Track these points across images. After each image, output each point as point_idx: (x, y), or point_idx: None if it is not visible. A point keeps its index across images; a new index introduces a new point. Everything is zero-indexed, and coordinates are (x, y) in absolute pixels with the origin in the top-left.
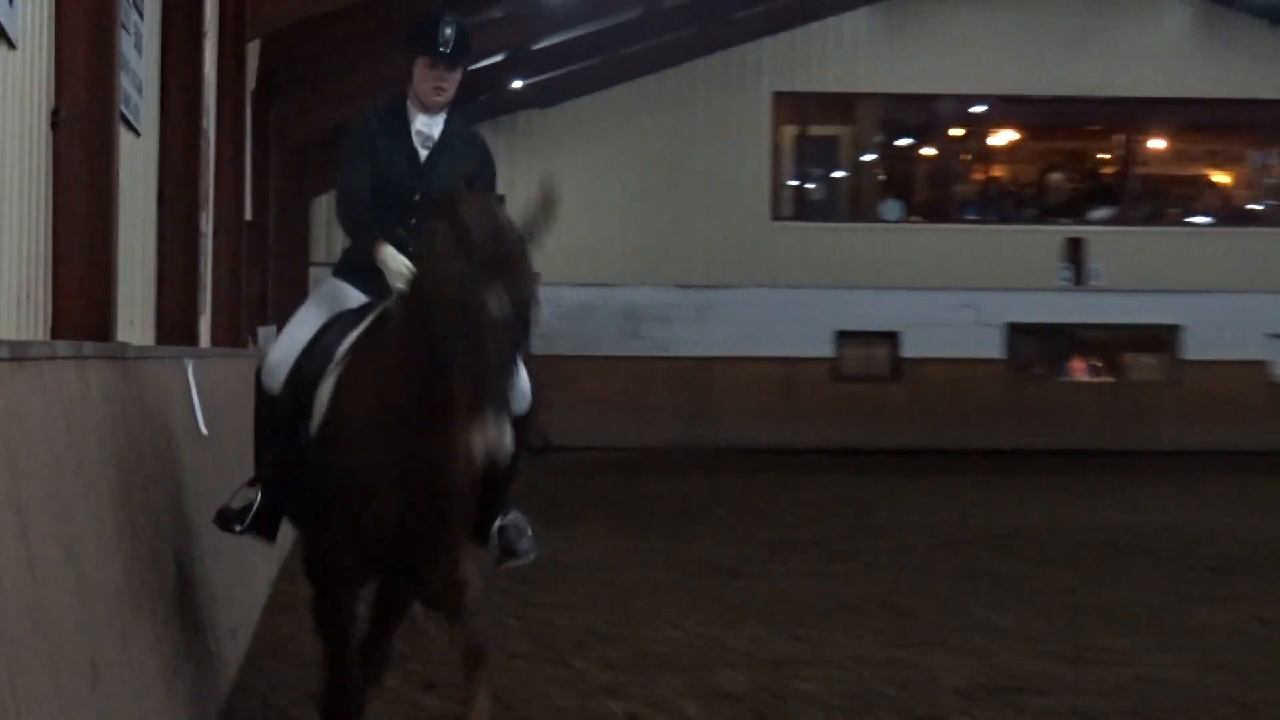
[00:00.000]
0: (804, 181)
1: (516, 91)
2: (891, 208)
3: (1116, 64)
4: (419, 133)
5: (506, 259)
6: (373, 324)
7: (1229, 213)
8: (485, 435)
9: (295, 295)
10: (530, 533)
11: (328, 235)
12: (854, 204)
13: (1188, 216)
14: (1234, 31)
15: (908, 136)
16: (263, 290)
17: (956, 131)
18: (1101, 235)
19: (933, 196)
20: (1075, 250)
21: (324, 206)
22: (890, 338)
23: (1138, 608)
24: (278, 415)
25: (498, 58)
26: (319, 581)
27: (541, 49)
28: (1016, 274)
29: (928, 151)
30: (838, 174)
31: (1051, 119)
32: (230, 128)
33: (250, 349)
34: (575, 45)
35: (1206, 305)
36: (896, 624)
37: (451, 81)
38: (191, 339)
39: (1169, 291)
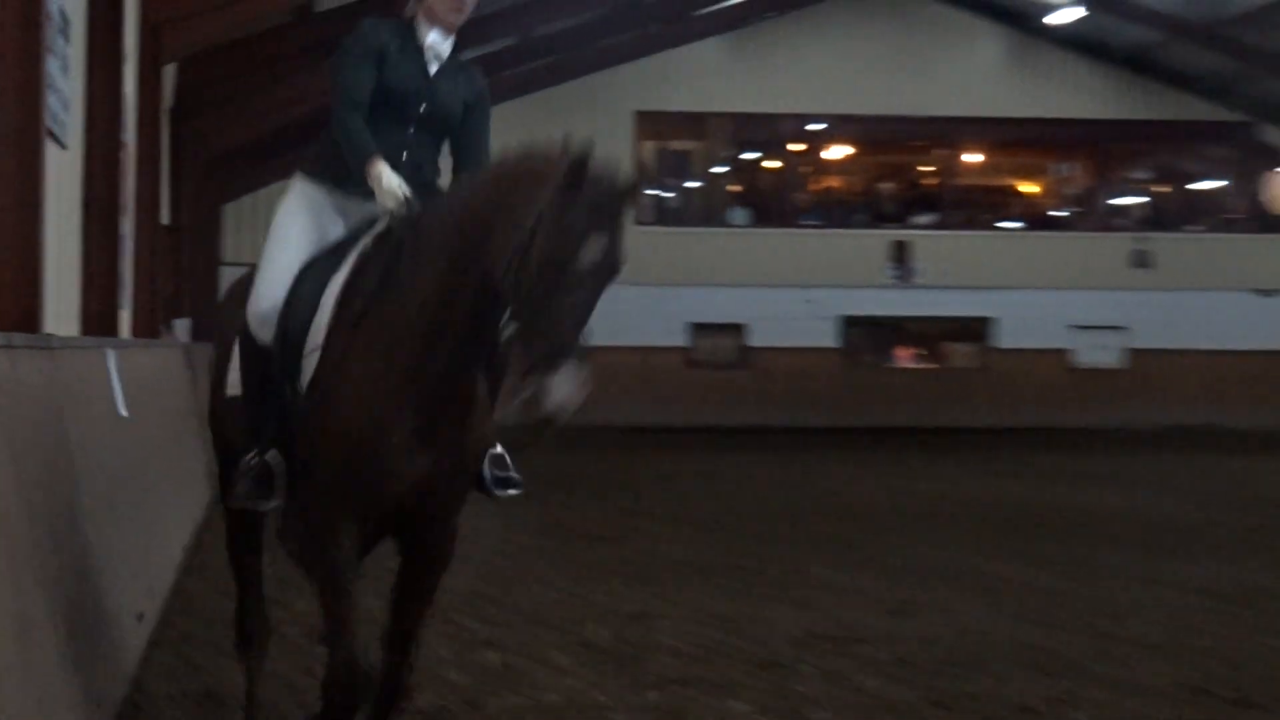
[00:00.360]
0: (662, 191)
1: None
2: (739, 214)
3: (938, 87)
4: (431, 47)
5: (615, 210)
6: (363, 268)
7: (1035, 218)
8: (562, 387)
9: (207, 292)
10: (510, 461)
11: (235, 239)
12: (706, 211)
13: (999, 222)
14: (1040, 58)
15: (754, 151)
16: (177, 287)
17: (797, 146)
18: (924, 238)
19: (776, 204)
20: (901, 251)
21: (234, 213)
22: (738, 329)
23: (954, 567)
24: (272, 369)
25: None
26: (317, 536)
27: None
28: (850, 272)
29: (771, 164)
30: (692, 184)
31: (880, 135)
32: (148, 142)
33: (166, 339)
34: None
35: (1015, 300)
36: (743, 582)
37: (470, 2)
38: (112, 330)
39: (982, 288)
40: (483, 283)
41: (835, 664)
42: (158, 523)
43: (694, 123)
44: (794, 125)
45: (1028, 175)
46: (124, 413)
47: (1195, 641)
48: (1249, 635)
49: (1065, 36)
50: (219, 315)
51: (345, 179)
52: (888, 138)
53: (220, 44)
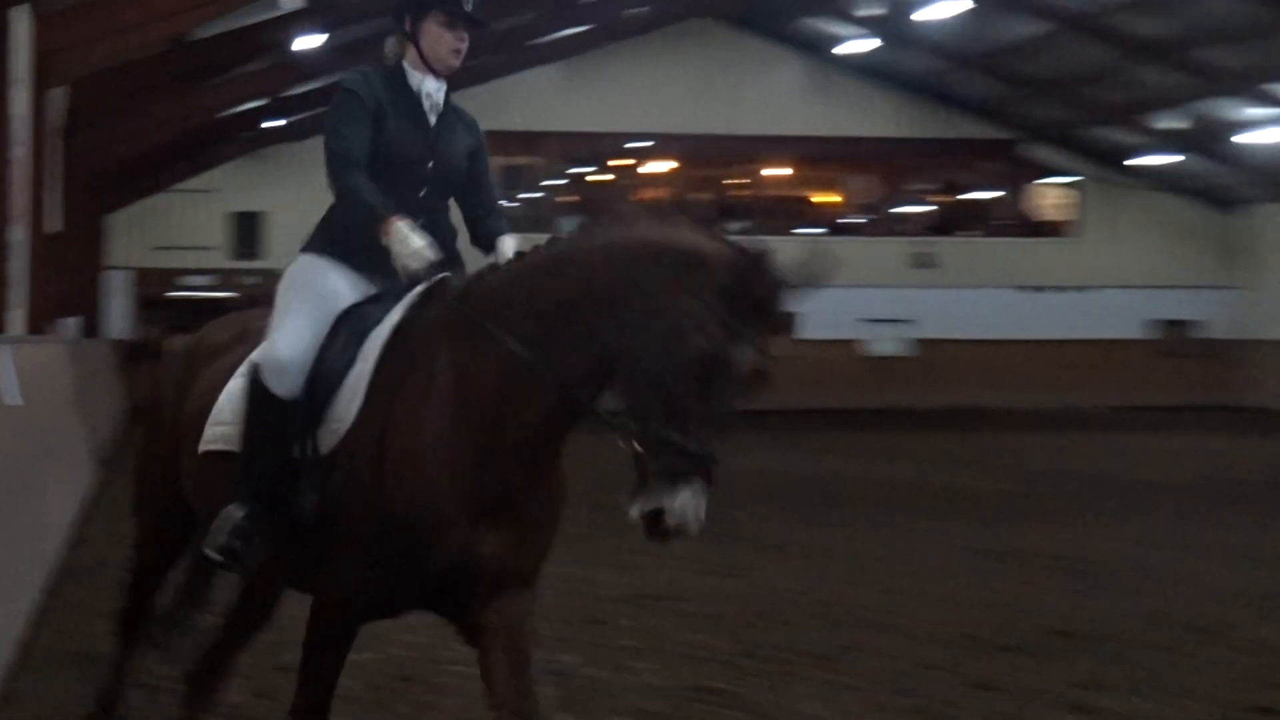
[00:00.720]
0: (505, 202)
1: (274, 129)
2: (569, 223)
3: (746, 109)
4: (428, 97)
5: (777, 314)
6: (411, 328)
7: (832, 225)
8: (687, 503)
9: (92, 293)
10: None
11: (118, 246)
12: (538, 220)
13: (800, 228)
14: (836, 84)
15: (584, 165)
16: (65, 289)
17: (622, 162)
18: None
19: (604, 213)
20: None
21: (117, 221)
22: None
23: (763, 532)
24: (289, 423)
25: (259, 102)
26: (329, 615)
27: (295, 95)
28: None
29: (599, 178)
30: (528, 195)
31: (695, 152)
32: (38, 157)
33: (55, 336)
34: (323, 91)
35: (814, 296)
36: (575, 548)
37: (466, 44)
38: (3, 328)
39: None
40: (590, 367)
41: (655, 620)
42: (47, 499)
43: (531, 141)
44: (619, 143)
45: (825, 187)
46: (19, 401)
47: (970, 595)
48: (1016, 588)
49: (859, 65)
50: (179, 366)
51: (354, 254)
52: (702, 154)
53: (109, 68)
